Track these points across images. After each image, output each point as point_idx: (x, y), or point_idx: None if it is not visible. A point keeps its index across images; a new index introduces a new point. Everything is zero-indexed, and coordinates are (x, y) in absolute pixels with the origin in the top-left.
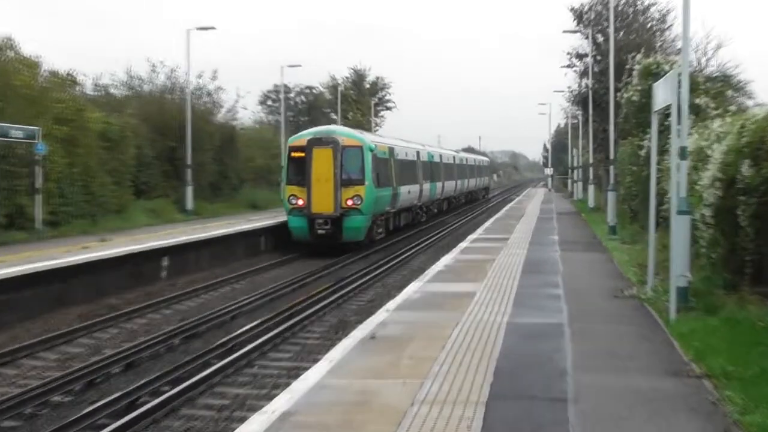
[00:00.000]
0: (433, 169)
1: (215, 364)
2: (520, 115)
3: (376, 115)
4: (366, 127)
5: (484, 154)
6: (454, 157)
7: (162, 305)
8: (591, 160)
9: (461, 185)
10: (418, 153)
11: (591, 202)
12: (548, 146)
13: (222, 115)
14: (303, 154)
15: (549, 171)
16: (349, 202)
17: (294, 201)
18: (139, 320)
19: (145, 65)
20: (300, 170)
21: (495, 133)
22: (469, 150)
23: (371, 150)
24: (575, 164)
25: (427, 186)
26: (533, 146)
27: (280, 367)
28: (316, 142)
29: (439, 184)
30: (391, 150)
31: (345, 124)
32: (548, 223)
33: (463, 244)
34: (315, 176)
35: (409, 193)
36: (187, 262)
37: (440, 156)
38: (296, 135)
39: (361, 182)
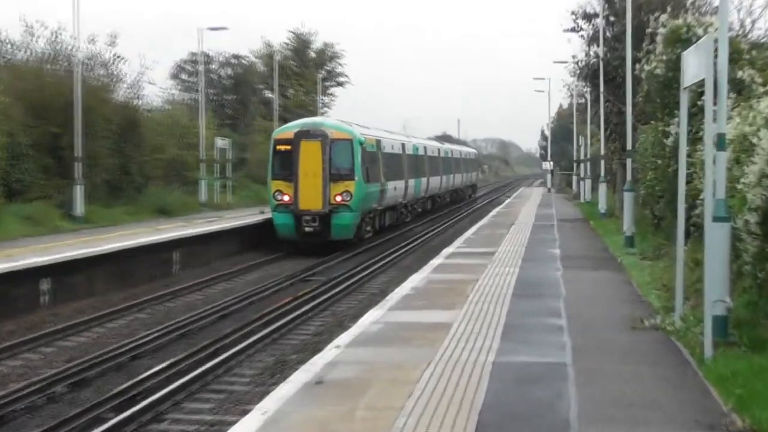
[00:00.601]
0: (417, 163)
1: (111, 418)
2: (510, 95)
3: (324, 93)
4: (311, 108)
5: (464, 143)
6: (438, 150)
7: (42, 341)
8: (602, 152)
9: (446, 182)
10: (403, 145)
11: (602, 206)
12: (547, 133)
13: (123, 93)
14: (289, 148)
15: (548, 165)
16: (338, 198)
17: (279, 197)
18: (10, 362)
19: (18, 26)
20: (286, 164)
21: (479, 117)
22: (446, 138)
23: (361, 143)
24: (582, 156)
25: (412, 182)
26: (527, 134)
27: (198, 422)
28: (304, 134)
29: (423, 180)
30: (378, 142)
31: (284, 105)
32: (547, 232)
33: (436, 261)
34: (302, 171)
35: (395, 189)
36: (75, 286)
37: (425, 148)
38: (282, 127)
39: (350, 177)
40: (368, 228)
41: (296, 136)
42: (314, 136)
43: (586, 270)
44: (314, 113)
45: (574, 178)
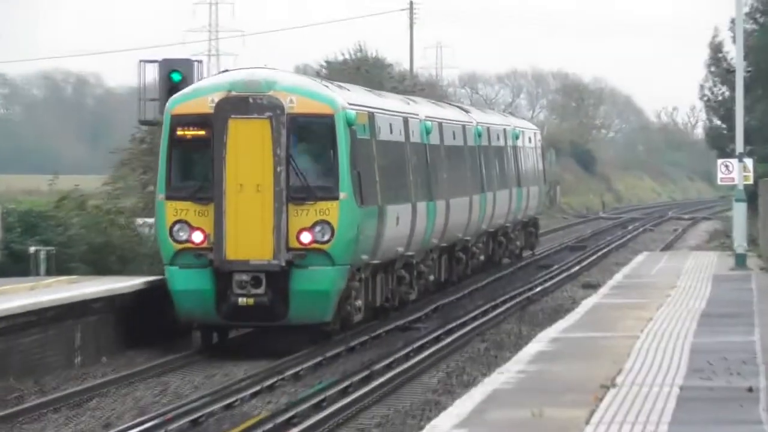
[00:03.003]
0: (430, 164)
1: None
2: None
3: None
4: None
5: (445, 97)
6: (463, 129)
7: None
8: None
9: (480, 212)
10: (405, 123)
11: None
12: (732, 58)
13: None
14: (203, 133)
15: (735, 168)
16: (306, 237)
17: (183, 235)
18: None
19: None
20: (197, 168)
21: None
22: (373, 76)
23: (350, 123)
24: None
25: (422, 210)
26: (658, 70)
27: None
28: (237, 105)
29: (440, 206)
30: (372, 119)
31: None
32: None
33: None
34: (233, 180)
35: (397, 223)
36: None
37: (440, 128)
38: (189, 89)
39: (331, 193)
40: (358, 302)
41: (219, 108)
42: (258, 108)
43: None
44: None
45: None
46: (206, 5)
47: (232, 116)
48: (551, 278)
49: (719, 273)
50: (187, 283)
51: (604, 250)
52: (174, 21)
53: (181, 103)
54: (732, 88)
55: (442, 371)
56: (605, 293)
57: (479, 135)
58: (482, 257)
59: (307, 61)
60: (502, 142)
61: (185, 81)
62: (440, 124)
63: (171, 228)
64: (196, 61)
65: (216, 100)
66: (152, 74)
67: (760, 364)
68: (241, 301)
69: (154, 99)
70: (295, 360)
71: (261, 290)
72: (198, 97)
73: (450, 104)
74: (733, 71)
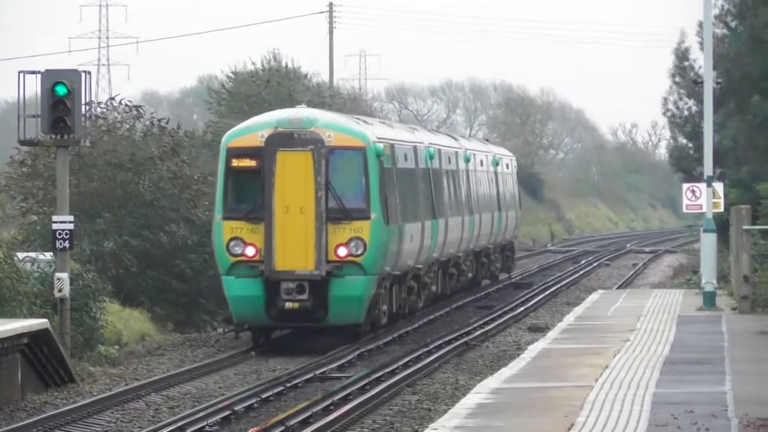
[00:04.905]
0: (434, 185)
1: None
2: None
3: None
4: None
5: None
6: (456, 155)
7: None
8: None
9: (470, 233)
10: (415, 150)
11: None
12: (696, 62)
13: None
14: (255, 164)
15: (707, 193)
16: (343, 251)
17: (238, 250)
18: None
19: None
20: (250, 193)
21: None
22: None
23: (378, 154)
24: None
25: (428, 227)
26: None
27: None
28: (283, 139)
29: (441, 225)
30: (392, 150)
31: None
32: None
33: None
34: (280, 203)
35: (411, 239)
36: None
37: (439, 153)
38: (241, 126)
39: (364, 214)
40: (384, 307)
41: (269, 142)
42: (301, 142)
43: None
44: None
45: None
46: (95, 8)
47: (280, 149)
48: (492, 320)
49: (685, 314)
50: (242, 290)
51: (553, 288)
52: (58, 26)
53: (236, 137)
54: (700, 102)
55: (368, 427)
56: (555, 337)
57: (467, 160)
58: (470, 274)
59: (212, 71)
60: (485, 168)
61: (72, 95)
62: (439, 150)
63: (227, 244)
64: (84, 71)
65: (265, 135)
66: (34, 87)
67: (731, 418)
68: (288, 305)
69: (35, 116)
70: (203, 411)
71: (305, 296)
72: (250, 133)
73: (439, 132)
74: (701, 82)
